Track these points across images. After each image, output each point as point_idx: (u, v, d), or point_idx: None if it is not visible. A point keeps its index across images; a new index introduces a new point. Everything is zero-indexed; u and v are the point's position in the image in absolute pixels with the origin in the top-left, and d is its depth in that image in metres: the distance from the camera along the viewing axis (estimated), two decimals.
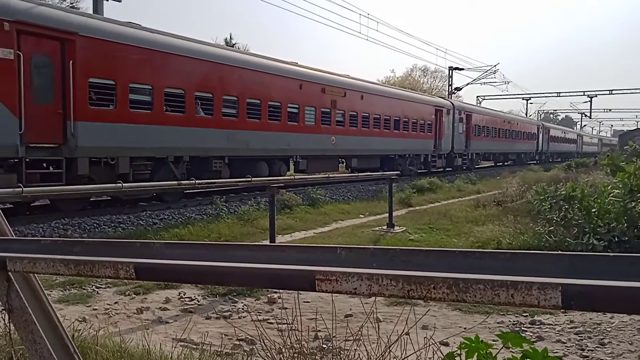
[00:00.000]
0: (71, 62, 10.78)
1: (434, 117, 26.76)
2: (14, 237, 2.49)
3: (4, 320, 2.95)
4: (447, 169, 29.77)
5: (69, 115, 10.87)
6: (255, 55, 17.03)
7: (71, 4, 29.34)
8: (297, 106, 17.45)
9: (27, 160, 10.28)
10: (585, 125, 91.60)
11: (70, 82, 10.77)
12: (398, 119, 23.59)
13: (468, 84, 51.58)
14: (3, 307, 2.14)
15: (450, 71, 48.79)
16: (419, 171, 25.94)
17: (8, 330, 2.90)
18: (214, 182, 9.84)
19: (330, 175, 14.56)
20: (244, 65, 15.37)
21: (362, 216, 13.88)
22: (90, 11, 16.81)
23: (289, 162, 17.99)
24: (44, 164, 10.98)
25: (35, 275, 2.27)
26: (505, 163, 39.50)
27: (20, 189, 6.33)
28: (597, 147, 77.11)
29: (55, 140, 10.81)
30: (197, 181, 9.09)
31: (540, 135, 47.24)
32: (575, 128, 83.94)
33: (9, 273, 2.03)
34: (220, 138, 14.50)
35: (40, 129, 10.41)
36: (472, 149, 31.53)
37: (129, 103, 12.14)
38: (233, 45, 38.75)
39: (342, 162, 21.22)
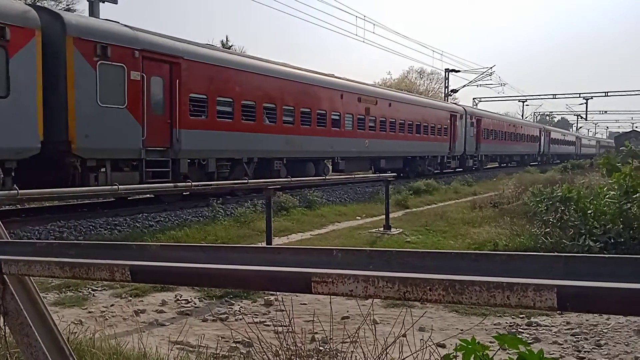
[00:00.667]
0: (177, 80, 13.29)
1: (449, 122, 29.21)
2: (9, 240, 2.48)
3: None
4: (458, 169, 31.70)
5: (175, 124, 13.34)
6: (307, 70, 19.37)
7: (67, 6, 29.29)
8: (338, 113, 20.12)
9: (146, 160, 12.61)
10: (581, 127, 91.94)
11: (176, 97, 13.32)
12: (419, 124, 26.16)
13: (464, 85, 51.79)
14: None
15: (447, 73, 48.94)
16: (435, 172, 28.16)
17: (3, 333, 2.88)
18: (210, 184, 9.83)
19: (327, 177, 14.60)
20: (298, 79, 18.02)
21: (359, 218, 13.89)
22: (86, 13, 16.77)
23: (335, 162, 20.60)
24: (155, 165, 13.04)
25: (31, 277, 2.26)
26: (510, 164, 41.26)
27: (16, 191, 6.31)
28: (595, 148, 77.70)
29: (164, 145, 13.23)
30: (193, 183, 9.08)
31: (542, 138, 49.43)
32: (571, 130, 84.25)
33: (4, 276, 2.02)
34: (280, 142, 17.04)
35: (155, 135, 12.83)
36: (481, 150, 33.99)
37: (216, 114, 14.70)
38: (229, 47, 38.75)
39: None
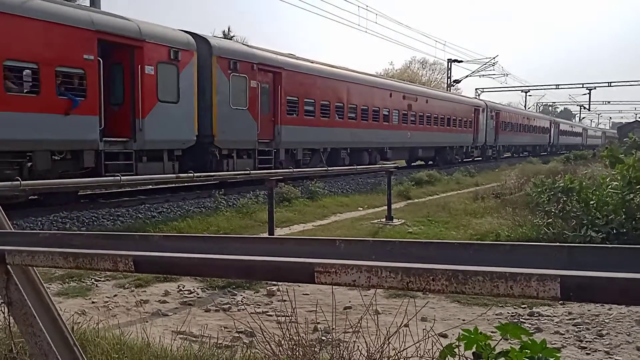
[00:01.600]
0: (279, 86, 16.83)
1: (473, 116, 32.60)
2: (13, 231, 2.49)
3: (3, 313, 2.96)
4: (477, 158, 34.82)
5: (277, 121, 16.88)
6: (365, 73, 23.52)
7: None
8: (388, 110, 23.58)
9: (258, 150, 16.13)
10: (584, 118, 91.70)
11: (278, 100, 16.87)
12: (449, 117, 29.49)
13: (467, 76, 51.59)
14: (2, 301, 2.14)
15: (449, 63, 48.72)
16: (460, 160, 31.63)
17: (8, 324, 2.90)
18: (212, 175, 9.84)
19: (329, 168, 14.65)
20: (359, 81, 21.64)
21: (361, 209, 13.89)
22: (87, 3, 16.70)
23: (382, 152, 23.62)
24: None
25: (34, 268, 2.27)
26: (521, 154, 43.43)
27: (18, 182, 6.33)
28: (600, 139, 78.22)
29: (270, 138, 16.78)
30: (195, 174, 9.09)
31: (552, 129, 52.28)
32: (573, 120, 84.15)
33: (8, 266, 2.03)
34: (346, 135, 20.48)
35: (264, 130, 16.37)
36: (499, 141, 37.50)
37: (304, 112, 18.26)
38: (231, 38, 38.59)
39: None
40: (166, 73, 13.08)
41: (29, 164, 10.76)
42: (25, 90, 10.67)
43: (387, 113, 23.37)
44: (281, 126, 16.98)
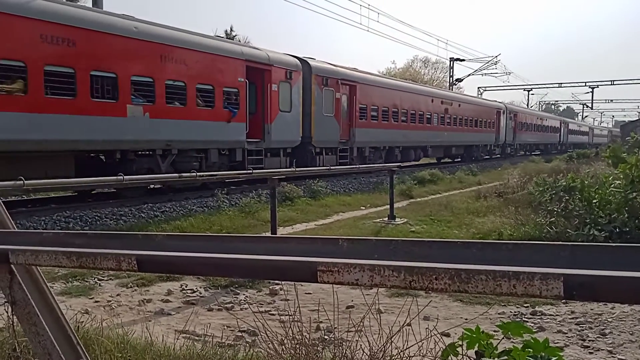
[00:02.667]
0: (354, 97, 21.00)
1: (495, 117, 36.78)
2: (16, 230, 2.50)
3: (7, 312, 2.96)
4: (495, 155, 38.08)
5: (352, 125, 20.97)
6: (413, 82, 31.56)
7: None
8: (430, 114, 27.54)
9: (339, 148, 20.30)
10: (587, 116, 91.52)
11: (353, 107, 21.01)
12: (477, 119, 33.81)
13: (469, 75, 51.54)
14: (6, 300, 2.14)
15: (452, 62, 48.66)
16: (484, 157, 35.70)
17: (11, 323, 2.91)
18: (215, 175, 9.85)
19: (331, 167, 14.66)
20: (409, 90, 26.13)
21: (363, 208, 13.89)
22: (89, 4, 16.73)
23: (424, 149, 27.68)
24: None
25: (38, 267, 2.27)
26: (534, 152, 46.76)
27: (22, 181, 6.34)
28: (606, 138, 79.16)
29: (347, 138, 20.81)
30: (197, 173, 9.10)
31: (562, 129, 55.82)
32: (576, 119, 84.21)
33: (12, 265, 2.04)
34: (399, 136, 24.56)
35: (344, 133, 20.54)
36: (517, 140, 41.55)
37: (370, 117, 22.26)
38: (233, 37, 38.57)
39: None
40: (284, 89, 17.29)
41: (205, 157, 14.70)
42: (207, 105, 14.42)
43: (429, 116, 27.50)
44: (355, 129, 21.15)
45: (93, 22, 11.68)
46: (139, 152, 13.17)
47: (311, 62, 18.80)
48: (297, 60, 18.19)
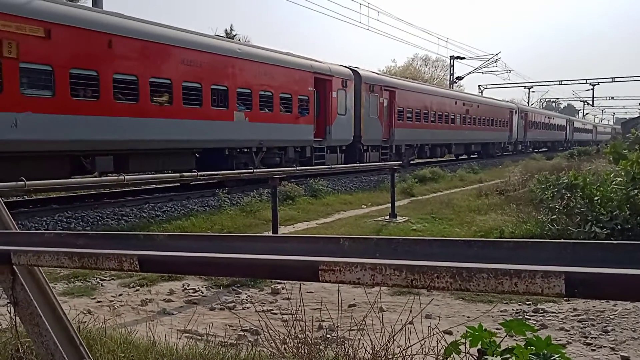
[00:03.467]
0: (393, 101, 23.65)
1: (509, 117, 39.81)
2: (18, 231, 2.50)
3: (9, 313, 2.97)
4: (507, 152, 41.14)
5: (392, 125, 23.59)
6: (439, 86, 37.82)
7: None
8: (454, 114, 30.66)
9: (382, 146, 23.09)
10: (587, 114, 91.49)
11: (393, 110, 23.70)
12: (493, 119, 36.80)
13: (469, 73, 51.41)
14: (9, 300, 2.15)
15: (452, 60, 48.61)
16: (498, 154, 38.78)
17: (14, 323, 2.92)
18: (216, 174, 9.85)
19: (332, 166, 14.67)
20: (437, 94, 29.57)
21: (365, 206, 13.89)
22: (89, 4, 16.73)
23: (449, 147, 30.86)
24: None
25: (40, 268, 2.28)
26: (541, 150, 49.84)
27: (23, 182, 6.34)
28: (610, 134, 79.69)
29: (387, 137, 23.41)
30: (198, 173, 9.10)
31: (568, 127, 58.38)
32: (577, 116, 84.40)
33: (14, 266, 2.04)
34: (429, 135, 27.31)
35: (385, 132, 23.22)
36: (527, 138, 44.73)
37: (406, 118, 24.98)
38: (233, 37, 38.56)
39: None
40: (341, 95, 20.13)
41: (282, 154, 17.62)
42: (286, 111, 17.36)
43: (453, 117, 30.29)
44: (394, 129, 23.78)
45: (212, 47, 14.91)
46: (239, 150, 16.16)
47: (361, 72, 21.81)
48: (350, 70, 21.16)
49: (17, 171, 8.03)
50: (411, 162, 26.18)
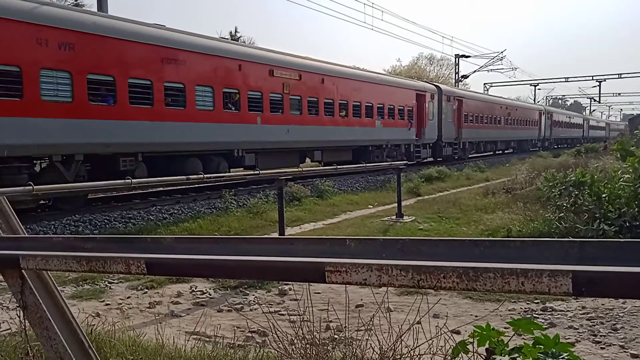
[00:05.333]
0: (461, 107, 30.09)
1: (538, 117, 47.25)
2: (27, 235, 2.52)
3: (19, 317, 2.99)
4: (535, 148, 45.65)
5: (460, 127, 30.10)
6: (488, 94, 46.65)
7: (75, 1, 29.35)
8: (501, 117, 37.68)
9: (453, 143, 29.46)
10: (594, 110, 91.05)
11: (461, 114, 30.18)
12: (527, 119, 44.16)
13: (475, 71, 51.29)
14: (18, 304, 2.16)
15: (457, 59, 48.50)
16: (531, 149, 43.87)
17: (23, 327, 2.94)
18: (222, 176, 9.87)
19: (338, 167, 14.67)
20: (489, 101, 37.42)
21: (371, 206, 13.88)
22: (95, 8, 16.82)
23: (496, 144, 38.49)
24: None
25: (48, 272, 2.29)
26: (560, 146, 55.08)
27: (31, 187, 6.38)
28: (622, 131, 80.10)
29: (457, 136, 29.76)
30: (205, 175, 9.13)
31: (584, 125, 66.63)
32: (584, 113, 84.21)
33: (23, 271, 2.05)
34: (485, 133, 34.92)
35: (456, 133, 29.64)
36: (553, 135, 51.83)
37: (470, 120, 31.58)
38: (238, 39, 38.63)
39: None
40: (430, 105, 26.86)
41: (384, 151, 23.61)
42: (400, 119, 24.38)
43: (499, 119, 37.35)
44: (462, 129, 30.38)
45: (367, 77, 22.97)
46: (376, 147, 22.99)
47: (442, 87, 29.79)
48: (434, 86, 28.94)
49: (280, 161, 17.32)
50: (469, 155, 32.37)
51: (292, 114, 17.63)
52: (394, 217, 11.37)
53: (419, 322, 3.03)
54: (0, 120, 9.97)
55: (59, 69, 10.85)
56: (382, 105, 22.78)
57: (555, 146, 52.21)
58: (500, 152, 40.59)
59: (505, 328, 2.23)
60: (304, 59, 19.05)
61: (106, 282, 6.70)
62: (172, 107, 13.47)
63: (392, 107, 23.62)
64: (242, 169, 16.14)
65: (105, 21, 12.09)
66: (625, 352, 4.11)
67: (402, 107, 24.45)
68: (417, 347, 2.90)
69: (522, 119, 42.73)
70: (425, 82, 30.03)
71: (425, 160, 27.36)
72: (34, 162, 11.56)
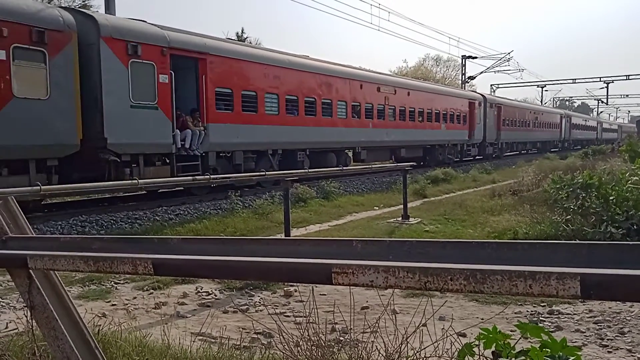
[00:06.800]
0: (500, 112, 35.10)
1: (559, 121, 52.40)
2: (34, 235, 2.53)
3: (26, 316, 3.00)
4: (555, 149, 50.96)
5: (499, 129, 34.99)
6: (531, 104, 57.01)
7: (83, 2, 29.50)
8: (529, 121, 42.41)
9: (493, 144, 35.41)
10: (602, 112, 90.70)
11: (500, 118, 35.18)
12: (550, 122, 49.64)
13: (481, 72, 51.09)
14: (25, 304, 2.17)
15: (464, 60, 48.40)
16: (552, 150, 48.58)
17: (30, 327, 2.95)
18: (229, 177, 9.89)
19: (344, 168, 14.66)
20: (519, 106, 41.97)
21: (377, 208, 13.86)
22: (102, 10, 16.90)
23: (525, 144, 44.17)
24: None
25: (56, 272, 2.30)
26: (576, 147, 58.88)
27: (38, 187, 6.42)
28: (635, 133, 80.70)
29: (496, 138, 34.76)
30: (212, 176, 9.14)
31: (598, 127, 71.55)
32: (591, 115, 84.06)
33: (30, 271, 2.06)
34: (516, 135, 39.23)
35: (496, 135, 34.75)
36: (571, 137, 57.23)
37: (508, 124, 36.63)
38: (245, 40, 38.73)
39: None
40: (477, 111, 31.54)
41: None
42: (457, 122, 29.13)
43: (529, 122, 42.27)
44: (500, 132, 35.13)
45: (436, 89, 28.85)
46: (440, 146, 27.59)
47: (486, 96, 34.72)
48: (481, 95, 33.80)
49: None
50: (504, 155, 37.15)
51: (390, 120, 23.03)
52: (399, 218, 11.35)
53: (424, 325, 3.02)
54: (244, 127, 15.21)
55: (272, 92, 16.36)
56: (445, 112, 27.81)
57: (574, 147, 56.91)
58: (525, 152, 45.23)
59: (511, 331, 2.22)
60: (397, 78, 28.41)
61: (112, 282, 6.73)
62: (325, 116, 18.87)
63: (452, 113, 28.65)
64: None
65: (295, 59, 17.87)
66: (632, 356, 4.08)
67: (459, 114, 29.46)
68: (422, 349, 2.89)
69: (547, 122, 48.58)
70: (474, 92, 36.23)
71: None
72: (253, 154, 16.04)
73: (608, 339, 4.41)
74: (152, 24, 13.07)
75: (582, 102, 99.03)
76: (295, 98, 17.38)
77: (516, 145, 41.41)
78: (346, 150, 20.94)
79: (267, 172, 10.06)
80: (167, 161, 13.24)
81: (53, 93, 10.58)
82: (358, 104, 20.77)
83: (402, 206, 11.71)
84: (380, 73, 24.73)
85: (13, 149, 10.08)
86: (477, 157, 32.89)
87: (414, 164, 20.44)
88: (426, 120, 25.95)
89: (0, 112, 9.86)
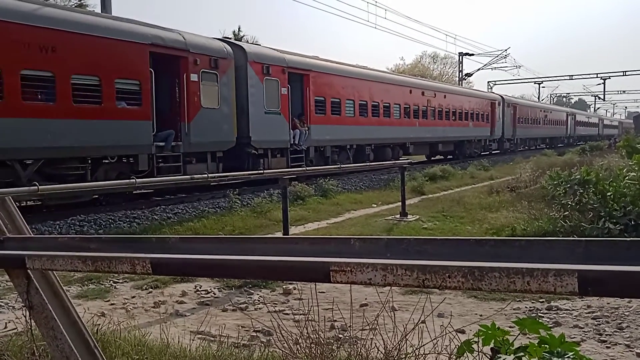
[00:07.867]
0: (516, 111, 39.27)
1: (566, 119, 55.78)
2: (32, 235, 2.53)
3: (25, 316, 3.00)
4: (561, 144, 54.16)
5: (514, 126, 39.03)
6: (544, 103, 62.16)
7: (79, 1, 29.42)
8: (539, 119, 45.99)
9: (510, 139, 39.03)
10: (599, 108, 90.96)
11: (516, 117, 39.02)
12: (558, 119, 52.69)
13: (479, 69, 51.20)
14: (24, 304, 2.17)
15: (461, 57, 48.42)
16: (559, 145, 53.16)
17: (29, 327, 2.95)
18: (227, 175, 9.89)
19: (342, 166, 14.68)
20: (530, 105, 46.69)
21: (375, 205, 13.87)
22: (98, 9, 16.85)
23: (543, 140, 48.60)
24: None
25: (54, 272, 2.30)
26: (579, 142, 61.03)
27: (36, 187, 6.41)
28: (633, 130, 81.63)
29: (512, 134, 38.73)
30: (210, 175, 9.14)
31: (599, 123, 74.07)
32: (589, 111, 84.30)
33: (29, 271, 2.06)
34: (530, 132, 43.46)
35: (513, 131, 39.01)
36: (576, 133, 60.18)
37: (522, 122, 40.78)
38: (241, 38, 38.65)
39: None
40: (498, 110, 35.04)
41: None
42: (481, 120, 33.06)
43: (539, 120, 45.70)
44: (516, 129, 38.69)
45: (460, 92, 32.59)
46: (469, 141, 31.42)
47: (504, 96, 37.76)
48: (499, 96, 37.28)
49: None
50: (519, 149, 39.95)
51: (431, 120, 26.63)
52: (398, 216, 11.36)
53: (423, 322, 3.03)
54: (333, 127, 18.91)
55: (350, 98, 20.16)
56: (472, 112, 31.48)
57: (578, 142, 58.99)
58: (534, 147, 47.56)
59: (510, 327, 2.23)
60: (436, 83, 34.09)
61: (111, 281, 6.72)
62: (385, 117, 22.50)
63: (478, 112, 32.29)
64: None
65: (365, 71, 22.28)
66: (631, 351, 4.10)
67: (483, 113, 33.10)
68: (421, 346, 2.90)
69: (555, 119, 52.11)
70: (494, 93, 40.65)
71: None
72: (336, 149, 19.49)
73: (606, 335, 4.43)
74: (274, 49, 16.99)
75: (579, 99, 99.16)
76: (365, 103, 21.12)
77: (528, 141, 44.83)
78: (400, 145, 24.69)
79: (265, 171, 10.06)
80: (282, 155, 16.64)
81: (221, 104, 14.27)
82: (408, 106, 24.53)
83: (400, 203, 11.72)
84: (422, 78, 33.00)
85: (201, 145, 13.73)
86: (495, 152, 36.72)
87: (430, 157, 29.63)
88: (458, 119, 29.56)
89: (195, 119, 13.46)
